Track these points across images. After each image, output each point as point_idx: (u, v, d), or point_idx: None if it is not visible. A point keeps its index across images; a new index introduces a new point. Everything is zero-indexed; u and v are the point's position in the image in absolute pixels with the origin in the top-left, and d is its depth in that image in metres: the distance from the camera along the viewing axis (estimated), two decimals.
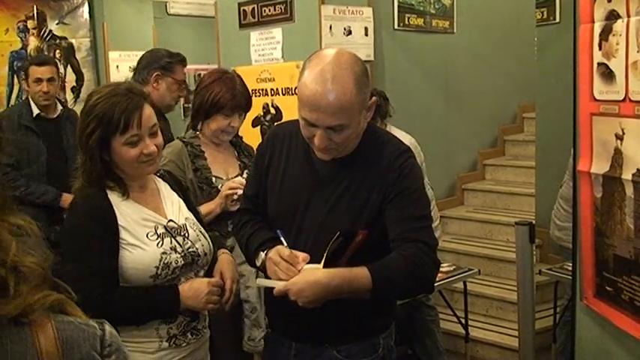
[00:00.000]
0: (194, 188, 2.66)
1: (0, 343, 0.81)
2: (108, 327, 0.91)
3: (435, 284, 3.43)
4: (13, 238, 0.85)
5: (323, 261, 1.81)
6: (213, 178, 2.71)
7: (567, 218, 3.59)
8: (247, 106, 2.77)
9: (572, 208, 3.49)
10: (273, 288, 1.82)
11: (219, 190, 2.66)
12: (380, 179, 1.89)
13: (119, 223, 1.92)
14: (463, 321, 3.91)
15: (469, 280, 4.01)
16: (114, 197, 1.96)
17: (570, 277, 2.20)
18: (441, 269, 3.60)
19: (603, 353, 1.96)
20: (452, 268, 3.82)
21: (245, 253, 2.11)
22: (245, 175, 2.77)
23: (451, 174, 5.86)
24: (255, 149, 2.86)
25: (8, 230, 0.85)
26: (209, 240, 2.12)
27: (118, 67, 6.01)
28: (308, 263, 1.83)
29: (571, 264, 2.19)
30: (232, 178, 2.74)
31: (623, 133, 1.72)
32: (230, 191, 2.61)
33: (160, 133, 2.00)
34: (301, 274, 1.79)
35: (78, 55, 5.95)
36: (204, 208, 2.58)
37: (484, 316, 4.71)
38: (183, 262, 1.99)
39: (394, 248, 1.85)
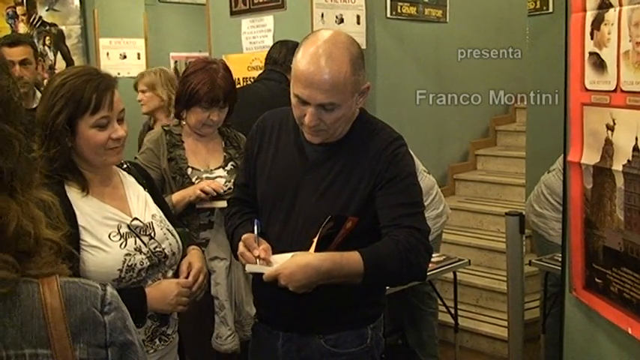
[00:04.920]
0: (168, 178, 2.63)
1: (11, 298, 0.88)
2: (110, 288, 0.98)
3: None
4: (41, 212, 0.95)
5: (314, 245, 1.79)
6: (189, 169, 2.66)
7: (547, 206, 3.61)
8: (227, 100, 2.68)
9: (552, 198, 3.53)
10: (262, 274, 1.79)
11: (192, 182, 2.62)
12: (371, 166, 1.88)
13: (79, 223, 1.79)
14: (452, 311, 3.91)
15: (459, 270, 4.00)
16: (73, 194, 1.82)
17: (560, 268, 2.20)
18: (431, 259, 3.63)
19: (592, 345, 1.96)
20: (442, 258, 3.80)
21: (230, 244, 2.11)
22: (228, 168, 2.73)
23: (442, 164, 5.84)
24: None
25: (36, 204, 0.94)
26: (177, 238, 2.01)
27: (108, 54, 5.97)
28: (296, 251, 1.81)
29: (560, 255, 2.18)
30: (212, 169, 2.71)
31: (614, 124, 1.71)
32: (202, 194, 2.56)
33: (124, 121, 1.88)
34: (292, 258, 1.76)
35: (68, 42, 5.91)
36: (175, 197, 2.56)
37: (474, 306, 4.72)
38: (149, 263, 1.88)
39: (385, 234, 1.84)
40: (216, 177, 2.69)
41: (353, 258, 1.76)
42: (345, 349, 1.94)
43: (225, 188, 2.61)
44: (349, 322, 1.95)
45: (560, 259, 2.29)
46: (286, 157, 1.99)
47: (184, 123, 2.74)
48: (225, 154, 2.76)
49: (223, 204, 2.51)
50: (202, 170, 2.69)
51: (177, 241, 2.00)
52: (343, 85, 1.80)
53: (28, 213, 0.92)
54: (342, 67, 1.78)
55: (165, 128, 2.74)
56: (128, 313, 1.00)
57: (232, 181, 2.65)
